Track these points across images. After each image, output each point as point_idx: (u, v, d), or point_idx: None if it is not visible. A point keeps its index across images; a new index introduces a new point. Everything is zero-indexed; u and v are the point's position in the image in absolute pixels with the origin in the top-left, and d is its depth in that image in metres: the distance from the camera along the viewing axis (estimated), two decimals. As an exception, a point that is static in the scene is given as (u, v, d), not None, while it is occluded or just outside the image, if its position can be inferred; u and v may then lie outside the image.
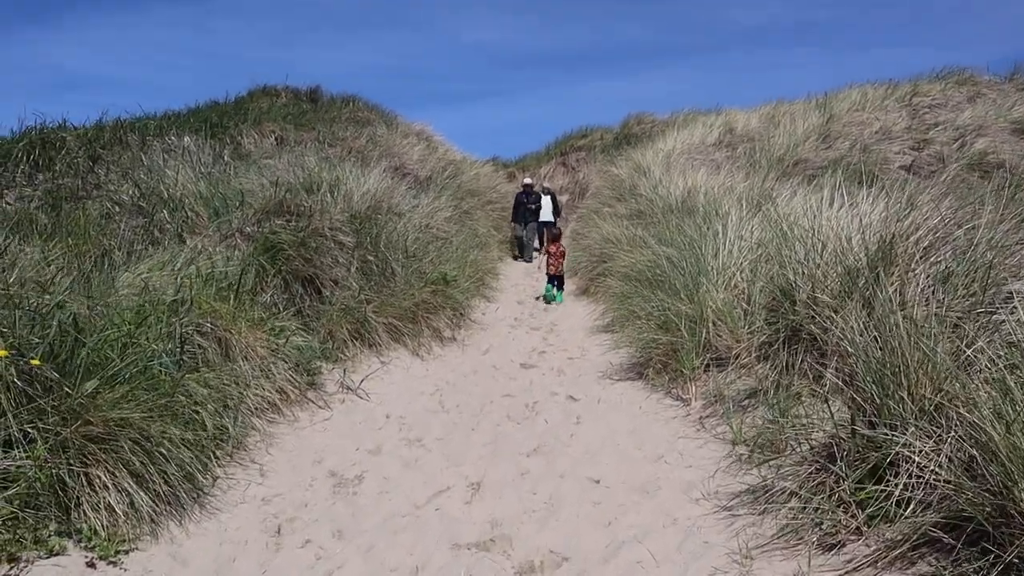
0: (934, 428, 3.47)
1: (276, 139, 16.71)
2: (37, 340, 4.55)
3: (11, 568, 3.78)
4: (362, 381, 7.26)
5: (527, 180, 18.63)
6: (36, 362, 4.24)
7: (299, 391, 6.59)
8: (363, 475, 5.20)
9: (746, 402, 5.60)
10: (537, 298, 13.00)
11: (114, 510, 4.13)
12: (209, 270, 7.24)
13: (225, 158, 13.58)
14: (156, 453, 4.47)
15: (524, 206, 17.36)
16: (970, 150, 14.24)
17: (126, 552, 4.04)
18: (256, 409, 6.00)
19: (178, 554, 4.08)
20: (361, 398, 6.99)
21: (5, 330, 4.56)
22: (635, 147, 20.96)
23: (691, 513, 4.25)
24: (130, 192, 9.95)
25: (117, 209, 9.66)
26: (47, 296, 5.12)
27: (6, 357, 4.20)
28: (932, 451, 3.40)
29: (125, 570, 3.91)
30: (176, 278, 6.62)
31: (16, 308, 4.79)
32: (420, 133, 21.85)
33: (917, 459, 3.41)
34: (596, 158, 24.91)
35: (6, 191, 10.01)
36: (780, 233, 6.73)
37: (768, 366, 5.64)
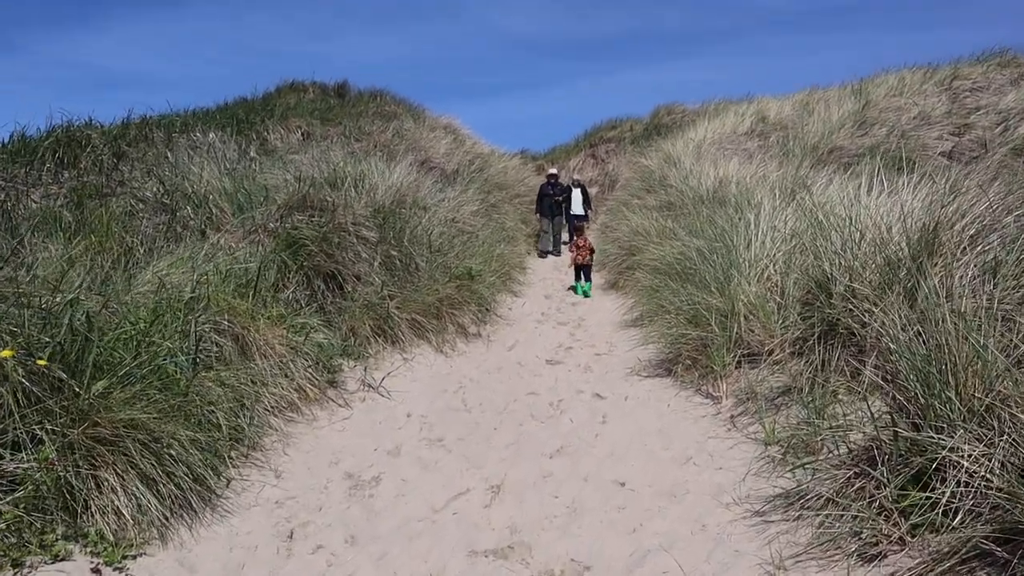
0: (984, 431, 3.21)
1: (302, 134, 16.65)
2: (47, 340, 4.44)
3: (15, 573, 3.67)
4: (383, 379, 7.10)
5: (552, 170, 18.31)
6: (42, 362, 4.13)
7: (318, 389, 6.46)
8: (380, 477, 5.03)
9: (779, 400, 5.35)
10: (568, 289, 12.85)
11: (122, 514, 4.02)
12: (228, 267, 7.13)
13: (251, 154, 13.53)
14: (167, 455, 4.35)
15: (550, 197, 16.99)
16: (1014, 135, 13.74)
17: (133, 557, 3.91)
18: (273, 408, 5.87)
19: (186, 560, 3.94)
20: (382, 396, 6.83)
21: (15, 329, 4.46)
22: (665, 138, 20.64)
23: (721, 519, 4.03)
24: (154, 189, 9.88)
25: (141, 206, 9.59)
26: (60, 295, 5.00)
27: (14, 356, 4.09)
28: (983, 456, 3.15)
29: (131, 576, 3.78)
30: (194, 275, 6.50)
31: (27, 307, 4.69)
32: (447, 127, 21.69)
33: (966, 464, 3.16)
34: (626, 149, 24.59)
35: (32, 189, 9.99)
36: (815, 222, 6.45)
37: (803, 362, 5.38)
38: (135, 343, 5.03)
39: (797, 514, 3.80)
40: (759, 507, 4.05)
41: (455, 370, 7.91)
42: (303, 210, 9.55)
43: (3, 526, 3.80)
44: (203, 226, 9.08)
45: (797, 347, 5.60)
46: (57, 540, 3.89)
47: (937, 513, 3.19)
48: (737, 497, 4.24)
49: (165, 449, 4.35)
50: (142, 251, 8.03)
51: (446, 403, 6.75)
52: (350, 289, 8.56)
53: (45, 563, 3.73)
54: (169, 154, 11.79)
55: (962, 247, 4.83)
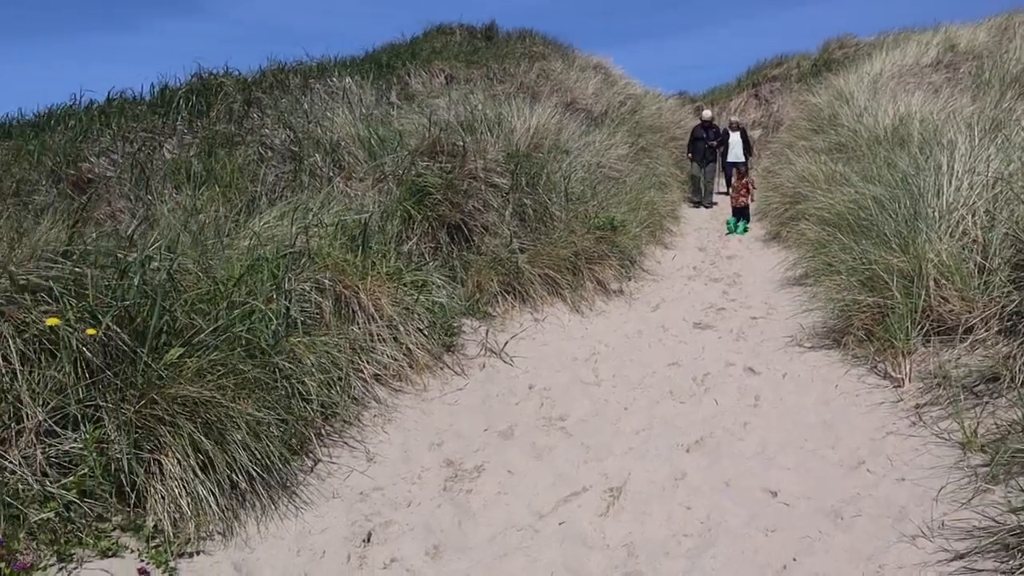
0: None
1: (445, 78, 16.10)
2: (114, 303, 3.98)
3: (59, 569, 3.23)
4: (506, 343, 6.40)
5: (706, 113, 16.81)
6: (92, 332, 3.66)
7: (432, 355, 5.82)
8: (484, 467, 4.33)
9: (982, 389, 4.24)
10: (724, 230, 12.51)
11: (182, 504, 3.52)
12: (340, 217, 6.60)
13: (391, 99, 13.12)
14: (239, 436, 3.82)
15: (703, 142, 15.59)
16: None
17: (190, 556, 3.41)
18: (378, 377, 5.30)
19: (244, 563, 3.40)
20: (504, 362, 6.15)
21: (86, 291, 4.03)
22: (836, 73, 18.65)
23: (905, 560, 3.05)
24: (283, 136, 9.56)
25: (269, 154, 9.31)
26: (135, 252, 4.54)
27: (60, 325, 3.65)
28: None
29: (178, 580, 3.28)
30: (293, 227, 5.99)
31: (102, 267, 4.27)
32: (598, 66, 20.53)
33: None
34: (792, 88, 22.58)
35: (167, 139, 9.91)
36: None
37: (1016, 344, 4.23)
38: (218, 305, 4.54)
39: (1019, 564, 2.79)
40: (959, 545, 3.03)
41: (590, 333, 7.13)
42: (433, 156, 8.97)
43: (52, 515, 3.39)
44: (331, 174, 8.68)
45: (1008, 322, 4.43)
46: (112, 531, 3.46)
47: None
48: (927, 526, 3.23)
49: (238, 429, 3.82)
50: (264, 201, 7.71)
51: (575, 373, 5.98)
52: (477, 241, 7.90)
53: (91, 558, 3.29)
54: (305, 100, 11.49)
55: None
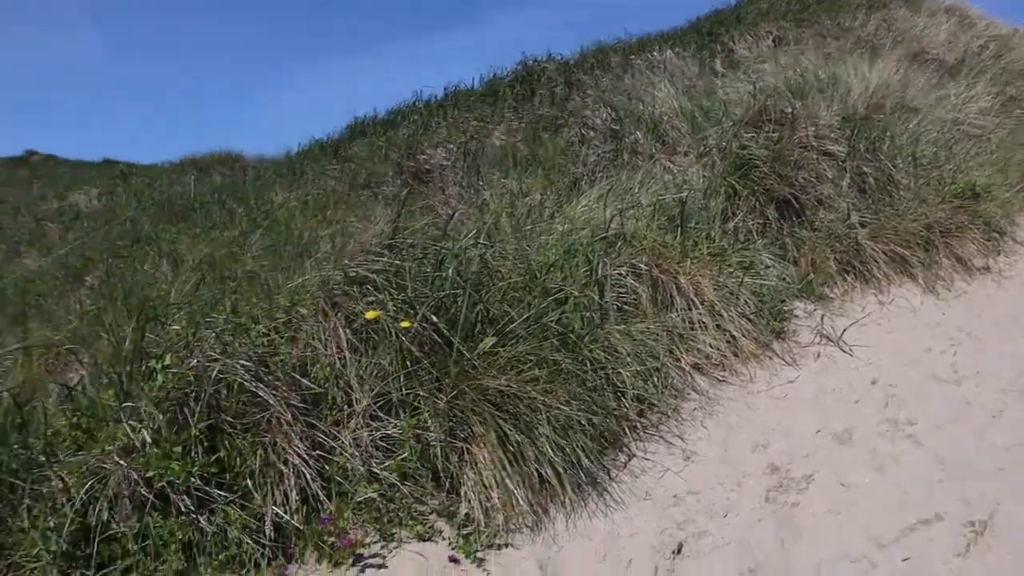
0: None
1: (773, 40, 15.12)
2: (429, 294, 4.08)
3: (382, 547, 3.37)
4: (845, 330, 5.72)
5: None
6: (406, 324, 3.75)
7: (759, 343, 5.36)
8: (813, 476, 3.82)
9: None
10: None
11: (492, 495, 3.50)
12: (660, 196, 6.33)
13: (715, 68, 12.61)
14: (553, 427, 3.73)
15: None
16: None
17: (498, 548, 3.39)
18: (698, 367, 4.96)
19: (549, 562, 3.29)
20: (843, 351, 5.49)
21: (405, 282, 4.18)
22: None
23: None
24: (603, 115, 9.52)
25: (590, 134, 9.32)
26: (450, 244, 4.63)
27: (380, 317, 3.78)
28: None
29: (486, 572, 3.25)
30: (607, 210, 5.83)
31: (420, 259, 4.40)
32: (950, 9, 18.01)
33: None
34: None
35: (496, 127, 10.34)
36: None
37: None
38: (532, 292, 4.49)
39: None
40: None
41: (947, 319, 6.16)
42: (758, 125, 8.38)
43: (376, 495, 3.53)
44: (652, 150, 8.48)
45: None
46: (429, 514, 3.55)
47: None
48: None
49: (553, 420, 3.73)
50: (585, 182, 7.72)
51: (927, 368, 5.16)
52: (810, 216, 7.22)
53: (407, 540, 3.38)
54: (625, 77, 11.36)
55: None
